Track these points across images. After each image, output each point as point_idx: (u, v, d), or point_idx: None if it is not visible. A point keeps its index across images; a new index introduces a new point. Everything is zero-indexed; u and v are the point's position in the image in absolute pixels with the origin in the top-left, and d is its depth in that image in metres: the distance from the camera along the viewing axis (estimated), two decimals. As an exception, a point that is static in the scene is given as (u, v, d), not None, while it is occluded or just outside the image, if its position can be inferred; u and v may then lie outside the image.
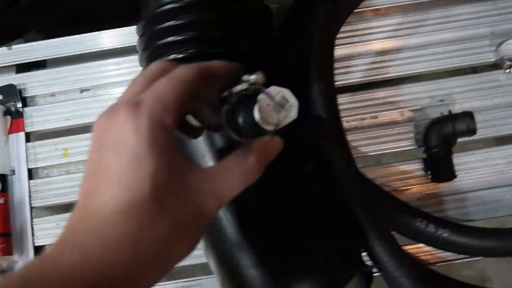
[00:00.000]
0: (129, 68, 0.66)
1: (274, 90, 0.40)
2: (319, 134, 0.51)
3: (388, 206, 0.53)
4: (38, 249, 0.62)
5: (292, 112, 0.39)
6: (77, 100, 0.66)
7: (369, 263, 0.49)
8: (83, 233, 0.29)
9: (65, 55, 0.68)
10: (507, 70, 0.63)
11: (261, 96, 0.39)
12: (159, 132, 0.30)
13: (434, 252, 0.59)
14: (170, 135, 0.31)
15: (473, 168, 0.61)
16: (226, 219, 0.45)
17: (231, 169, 0.34)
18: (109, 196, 0.30)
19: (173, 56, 0.48)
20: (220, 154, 0.44)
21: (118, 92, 0.66)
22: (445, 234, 0.51)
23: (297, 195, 0.47)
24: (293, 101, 0.39)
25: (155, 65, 0.36)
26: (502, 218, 0.60)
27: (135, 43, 0.65)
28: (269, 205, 0.45)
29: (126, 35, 0.67)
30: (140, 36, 0.52)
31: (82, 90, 0.67)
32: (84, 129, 0.66)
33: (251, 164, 0.34)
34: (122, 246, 0.29)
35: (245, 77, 0.38)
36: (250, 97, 0.36)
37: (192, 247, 0.33)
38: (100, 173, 0.30)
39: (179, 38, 0.48)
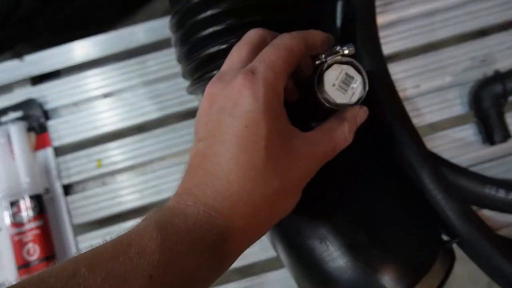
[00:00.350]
0: (156, 66, 0.63)
1: (336, 68, 0.39)
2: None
3: (454, 176, 0.51)
4: (86, 268, 0.59)
5: (358, 89, 0.38)
6: (102, 107, 0.63)
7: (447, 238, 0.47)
8: (204, 189, 0.32)
9: (83, 61, 0.64)
10: (545, 21, 0.61)
11: (325, 78, 0.38)
12: (273, 98, 0.33)
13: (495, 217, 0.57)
14: (281, 101, 0.34)
15: (525, 126, 0.60)
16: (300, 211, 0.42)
17: (328, 136, 0.37)
18: (228, 157, 0.33)
19: (216, 47, 0.45)
20: (316, 119, 0.42)
21: (144, 92, 0.62)
22: (517, 197, 0.49)
23: (369, 178, 0.44)
24: (357, 77, 0.39)
25: (256, 34, 0.38)
26: None
27: (160, 39, 0.63)
28: (344, 192, 0.43)
29: (146, 31, 0.63)
30: (175, 32, 0.48)
31: (105, 96, 0.64)
32: (114, 136, 0.63)
33: (344, 131, 0.37)
34: (239, 202, 0.32)
35: (338, 48, 0.39)
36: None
37: (292, 206, 0.36)
38: (218, 134, 0.33)
39: (219, 28, 0.45)
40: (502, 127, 0.56)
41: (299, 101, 0.42)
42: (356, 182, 0.44)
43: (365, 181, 0.44)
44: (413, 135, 0.47)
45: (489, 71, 0.60)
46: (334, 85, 0.39)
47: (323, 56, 0.39)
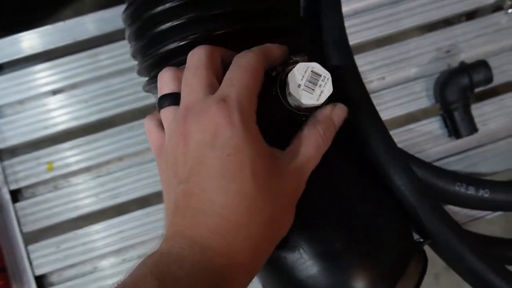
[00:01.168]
0: (109, 59, 0.58)
1: (301, 68, 0.37)
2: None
3: (424, 173, 0.50)
4: (39, 279, 0.56)
5: (327, 86, 0.37)
6: (51, 105, 0.58)
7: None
8: (198, 229, 0.31)
9: (26, 54, 0.59)
10: (509, 11, 0.61)
11: (288, 79, 0.36)
12: (250, 123, 0.32)
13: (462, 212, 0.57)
14: (256, 127, 0.33)
15: (489, 118, 0.59)
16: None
17: (306, 142, 0.36)
18: (217, 191, 0.31)
19: (175, 44, 0.41)
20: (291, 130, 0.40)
21: (98, 88, 0.58)
22: (486, 194, 0.49)
23: (344, 182, 0.43)
24: (324, 74, 0.37)
25: (205, 54, 0.36)
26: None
27: (113, 30, 0.59)
28: (317, 198, 0.41)
29: (98, 21, 0.59)
30: (130, 25, 0.44)
31: (54, 92, 0.59)
32: (66, 136, 0.58)
33: (320, 134, 0.36)
34: (237, 237, 0.31)
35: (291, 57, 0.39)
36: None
37: (290, 225, 0.35)
38: (201, 170, 0.32)
39: (179, 22, 0.41)
40: (469, 121, 0.56)
41: (266, 121, 0.40)
42: (329, 187, 0.42)
43: (339, 185, 0.42)
44: (383, 132, 0.45)
45: (453, 62, 0.59)
46: (299, 85, 0.36)
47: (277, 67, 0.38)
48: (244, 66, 0.34)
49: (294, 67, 0.37)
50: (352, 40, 0.59)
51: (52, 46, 0.59)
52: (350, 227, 0.40)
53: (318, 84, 0.37)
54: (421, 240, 0.45)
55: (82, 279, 0.56)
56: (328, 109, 0.38)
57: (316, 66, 0.37)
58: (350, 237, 0.40)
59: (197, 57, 0.36)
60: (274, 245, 0.35)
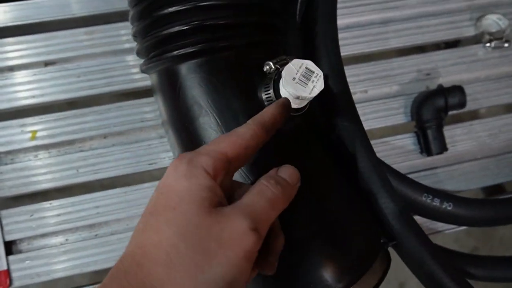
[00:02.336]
0: (103, 39, 0.59)
1: (296, 63, 0.39)
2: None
3: (394, 181, 0.53)
4: (9, 244, 0.56)
5: (319, 82, 0.39)
6: (41, 76, 0.58)
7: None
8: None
9: (25, 22, 0.59)
10: (487, 44, 0.65)
11: (284, 72, 0.39)
12: (193, 171, 0.32)
13: (425, 224, 0.61)
14: (204, 174, 0.32)
15: (458, 141, 0.63)
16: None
17: (253, 194, 0.34)
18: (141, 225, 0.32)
19: (177, 27, 0.43)
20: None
21: (90, 65, 0.59)
22: (449, 207, 0.52)
23: (320, 177, 0.45)
24: (317, 71, 0.40)
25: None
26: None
27: (111, 12, 0.60)
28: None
29: (99, 0, 0.60)
30: (136, 5, 0.46)
31: (46, 64, 0.59)
32: (54, 107, 0.59)
33: (266, 185, 0.34)
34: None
35: (284, 57, 0.41)
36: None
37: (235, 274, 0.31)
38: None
39: (185, 7, 0.43)
40: (440, 140, 0.60)
41: None
42: (311, 179, 0.44)
43: (315, 182, 0.45)
44: (365, 140, 0.48)
45: (432, 84, 0.63)
46: (294, 79, 0.39)
47: (272, 64, 0.40)
48: (232, 131, 0.34)
49: (289, 62, 0.39)
50: (341, 52, 0.63)
51: (47, 19, 0.60)
52: (322, 220, 0.43)
53: (311, 80, 0.39)
54: (387, 241, 0.48)
55: (51, 249, 0.56)
56: (273, 170, 0.37)
57: (310, 64, 0.40)
58: (320, 229, 0.42)
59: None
60: (194, 283, 0.30)
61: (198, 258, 0.29)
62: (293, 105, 0.40)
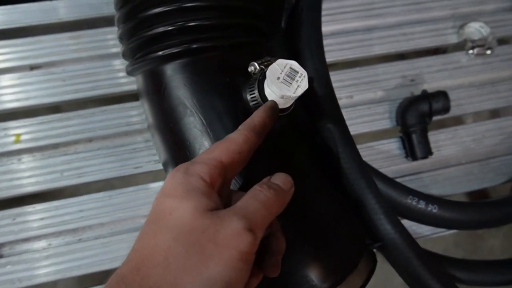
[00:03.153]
0: (89, 43, 0.59)
1: (280, 63, 0.40)
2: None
3: (380, 184, 0.53)
4: (-9, 248, 0.55)
5: (303, 82, 0.39)
6: (26, 79, 0.58)
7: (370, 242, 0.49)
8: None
9: (11, 26, 0.59)
10: (470, 51, 0.66)
11: (268, 72, 0.39)
12: (189, 179, 0.32)
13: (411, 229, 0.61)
14: (200, 181, 0.32)
15: (443, 145, 0.64)
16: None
17: (247, 198, 0.34)
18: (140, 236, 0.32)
19: (162, 28, 0.44)
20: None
21: (75, 69, 0.59)
22: (434, 210, 0.52)
23: (307, 179, 0.45)
24: (301, 71, 0.40)
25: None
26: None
27: (97, 15, 0.60)
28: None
29: (85, 5, 0.60)
30: (122, 7, 0.46)
31: (32, 67, 0.59)
32: (39, 111, 0.58)
33: (260, 190, 0.34)
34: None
35: (268, 58, 0.42)
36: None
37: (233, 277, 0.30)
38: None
39: (170, 8, 0.43)
40: (425, 144, 0.60)
41: None
42: (296, 180, 0.44)
43: (301, 183, 0.45)
44: (349, 142, 0.48)
45: (416, 90, 0.64)
46: (278, 78, 0.39)
47: (257, 65, 0.41)
48: (224, 138, 0.35)
49: (274, 62, 0.40)
50: (327, 58, 0.63)
51: (35, 23, 0.60)
52: (306, 221, 0.43)
53: (296, 79, 0.40)
54: (373, 242, 0.48)
55: (33, 254, 0.55)
56: (265, 178, 0.38)
57: (294, 64, 0.40)
58: (305, 229, 0.42)
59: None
60: (192, 283, 0.30)
61: (194, 259, 0.30)
62: (278, 105, 0.40)
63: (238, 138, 0.35)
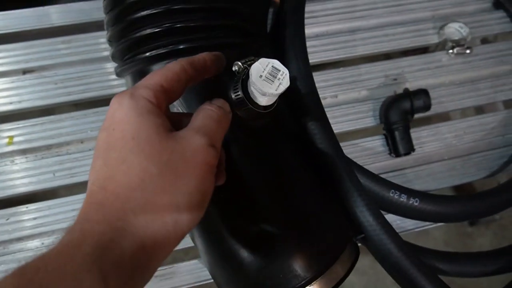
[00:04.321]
0: (81, 47, 0.61)
1: (263, 62, 0.41)
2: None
3: (363, 178, 0.55)
4: (-15, 248, 0.56)
5: (285, 79, 0.41)
6: (19, 83, 0.60)
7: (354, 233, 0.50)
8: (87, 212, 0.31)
9: (4, 31, 0.61)
10: (450, 51, 0.68)
11: (251, 70, 0.40)
12: (138, 102, 0.33)
13: (395, 223, 0.62)
14: (149, 103, 0.33)
15: (425, 142, 0.66)
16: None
17: (198, 115, 0.37)
18: (101, 165, 0.32)
19: (149, 30, 0.45)
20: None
21: (67, 72, 0.60)
22: (416, 203, 0.54)
23: (291, 171, 0.47)
24: (283, 70, 0.41)
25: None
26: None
27: (88, 21, 0.62)
28: (258, 184, 0.45)
29: (76, 11, 0.62)
30: (110, 11, 0.48)
31: (25, 71, 0.61)
32: (32, 113, 0.60)
33: (210, 108, 0.38)
34: (113, 205, 0.31)
35: (252, 57, 0.43)
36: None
37: (197, 186, 0.33)
38: (95, 152, 0.34)
39: (157, 10, 0.45)
40: (407, 141, 0.62)
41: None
42: (275, 175, 0.46)
43: (284, 174, 0.46)
44: (332, 138, 0.50)
45: (399, 89, 0.66)
46: (261, 76, 0.41)
47: (241, 64, 0.43)
48: (157, 70, 0.37)
49: (256, 61, 0.41)
50: (312, 59, 0.65)
51: (28, 28, 0.62)
52: (290, 213, 0.44)
53: (277, 77, 0.41)
54: (356, 234, 0.50)
55: (27, 253, 0.56)
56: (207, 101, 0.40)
57: (276, 63, 0.42)
58: (288, 221, 0.44)
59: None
60: (170, 198, 0.32)
61: (170, 177, 0.32)
62: (261, 103, 0.42)
63: (175, 67, 0.36)
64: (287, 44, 0.54)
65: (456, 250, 1.27)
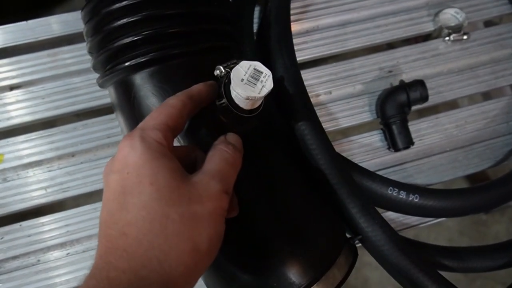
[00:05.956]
0: (67, 60, 0.60)
1: (244, 64, 0.40)
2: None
3: (361, 177, 0.53)
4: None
5: (268, 82, 0.39)
6: (7, 100, 0.59)
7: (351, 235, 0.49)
8: (106, 256, 0.32)
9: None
10: (446, 38, 0.66)
11: (232, 74, 0.39)
12: (152, 144, 0.34)
13: (398, 220, 0.61)
14: (161, 146, 0.34)
15: (425, 134, 0.64)
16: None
17: (212, 157, 0.37)
18: (119, 209, 0.32)
19: (128, 39, 0.44)
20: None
21: (54, 86, 0.60)
22: (416, 199, 0.52)
23: (284, 177, 0.45)
24: (266, 71, 0.40)
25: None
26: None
27: (73, 32, 0.61)
28: (248, 193, 0.43)
29: (61, 23, 0.61)
30: (88, 21, 0.47)
31: (12, 88, 0.60)
32: (21, 130, 0.59)
33: (224, 149, 0.38)
34: (137, 250, 0.31)
35: (234, 61, 0.42)
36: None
37: (214, 230, 0.34)
38: (106, 193, 0.34)
39: (134, 19, 0.44)
40: (405, 134, 0.60)
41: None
42: (267, 183, 0.45)
43: (277, 181, 0.45)
44: (323, 138, 0.48)
45: (395, 81, 0.64)
46: (242, 80, 0.39)
47: (222, 68, 0.41)
48: (159, 106, 0.37)
49: (237, 64, 0.40)
50: (303, 56, 0.64)
51: (13, 43, 0.61)
52: (282, 219, 0.43)
53: (260, 80, 0.40)
54: (353, 236, 0.48)
55: (23, 270, 0.55)
56: (221, 137, 0.40)
57: (258, 64, 0.41)
58: (281, 228, 0.43)
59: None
60: (192, 244, 0.33)
61: (190, 223, 0.32)
62: (245, 107, 0.41)
63: (177, 104, 0.37)
64: (273, 43, 0.53)
65: (471, 239, 1.25)
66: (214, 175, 0.35)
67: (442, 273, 0.52)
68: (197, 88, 0.40)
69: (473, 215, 0.57)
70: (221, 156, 0.37)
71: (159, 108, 0.37)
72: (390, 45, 0.68)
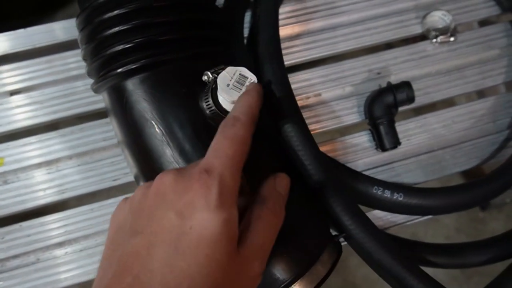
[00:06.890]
0: (64, 66, 0.63)
1: (230, 70, 0.42)
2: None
3: (347, 177, 0.55)
4: (-17, 269, 0.58)
5: None
6: (7, 105, 0.61)
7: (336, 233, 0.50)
8: None
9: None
10: (434, 40, 0.68)
11: (218, 80, 0.41)
12: (226, 202, 0.31)
13: (385, 218, 0.62)
14: (234, 197, 0.33)
15: (413, 134, 0.65)
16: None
17: (260, 226, 0.36)
18: (163, 262, 0.30)
19: (121, 46, 0.46)
20: None
21: (53, 91, 0.62)
22: (400, 198, 0.54)
23: (264, 177, 0.47)
24: (251, 77, 0.42)
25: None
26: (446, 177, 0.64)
27: (71, 38, 0.64)
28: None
29: (60, 29, 0.63)
30: (82, 29, 0.49)
31: (12, 93, 0.62)
32: (21, 134, 0.61)
33: (272, 212, 0.37)
34: None
35: (221, 66, 0.44)
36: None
37: None
38: (158, 232, 0.31)
39: (126, 27, 0.46)
40: (392, 135, 0.61)
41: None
42: (258, 179, 0.46)
43: (266, 177, 0.47)
44: (309, 139, 0.50)
45: (384, 83, 0.65)
46: (228, 85, 0.41)
47: (210, 74, 0.43)
48: (232, 138, 0.34)
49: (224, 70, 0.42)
50: (294, 59, 0.65)
51: (12, 51, 0.63)
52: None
53: (245, 85, 0.42)
54: (337, 234, 0.50)
55: (23, 269, 0.58)
56: (270, 181, 0.39)
57: (244, 70, 0.43)
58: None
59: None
60: None
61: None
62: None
63: (248, 139, 0.36)
64: (261, 48, 0.55)
65: (468, 236, 1.26)
66: (257, 254, 0.35)
67: (439, 270, 0.54)
68: (256, 105, 0.39)
69: (470, 212, 0.58)
70: (265, 225, 0.36)
71: (236, 143, 0.34)
72: (378, 48, 0.70)
